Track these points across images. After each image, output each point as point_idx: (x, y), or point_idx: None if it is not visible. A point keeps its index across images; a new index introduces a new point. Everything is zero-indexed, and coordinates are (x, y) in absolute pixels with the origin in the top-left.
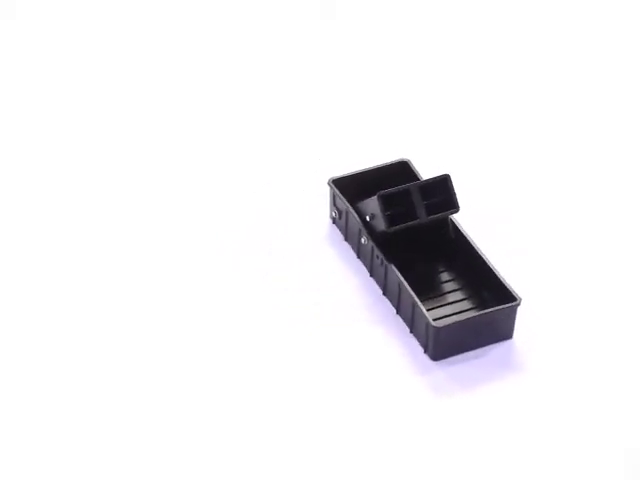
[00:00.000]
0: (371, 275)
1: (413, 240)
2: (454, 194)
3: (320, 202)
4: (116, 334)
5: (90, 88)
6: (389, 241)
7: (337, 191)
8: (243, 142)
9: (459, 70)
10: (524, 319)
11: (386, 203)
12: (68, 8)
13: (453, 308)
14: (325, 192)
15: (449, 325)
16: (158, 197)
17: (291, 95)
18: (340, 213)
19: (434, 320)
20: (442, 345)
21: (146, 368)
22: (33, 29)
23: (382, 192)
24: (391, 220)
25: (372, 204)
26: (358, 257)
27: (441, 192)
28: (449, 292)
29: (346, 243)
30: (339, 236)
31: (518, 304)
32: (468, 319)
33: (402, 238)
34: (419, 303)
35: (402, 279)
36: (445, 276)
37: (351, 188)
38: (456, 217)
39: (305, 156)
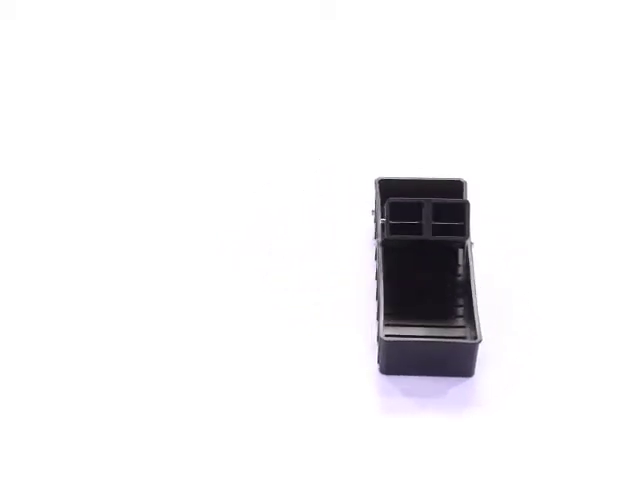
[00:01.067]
0: (375, 278)
1: (419, 254)
2: (468, 222)
3: (320, 202)
4: (116, 333)
5: (90, 88)
6: (396, 249)
7: (377, 191)
8: (243, 142)
9: (456, 68)
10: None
11: (395, 211)
12: (68, 8)
13: (419, 330)
14: (324, 192)
15: (395, 342)
16: (158, 197)
17: (291, 95)
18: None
19: (387, 335)
20: (390, 360)
21: (146, 367)
22: (33, 29)
23: (392, 199)
24: (394, 229)
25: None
26: (375, 259)
27: (455, 216)
28: (428, 315)
29: (347, 243)
30: (339, 236)
31: (476, 343)
32: (416, 342)
33: (408, 250)
34: (382, 315)
35: (381, 289)
36: (432, 298)
37: (396, 192)
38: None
39: (305, 156)
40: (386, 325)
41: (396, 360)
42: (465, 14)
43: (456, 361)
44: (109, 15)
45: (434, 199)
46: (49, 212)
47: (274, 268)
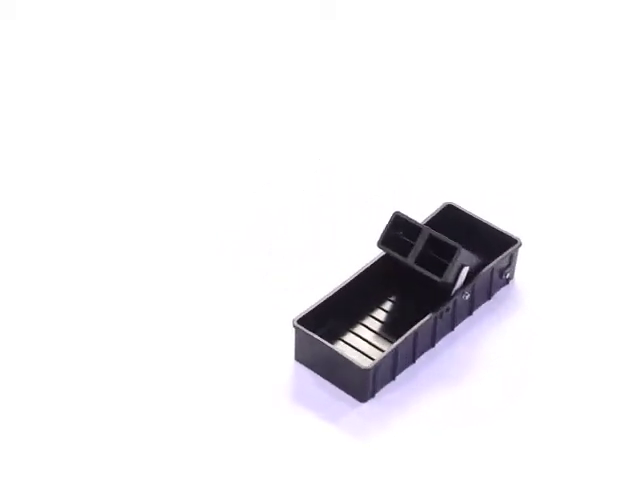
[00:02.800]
0: None
1: (407, 276)
2: (453, 266)
3: (320, 202)
4: (115, 333)
5: (90, 88)
6: (394, 264)
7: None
8: (243, 142)
9: (458, 67)
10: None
11: (396, 224)
12: (68, 8)
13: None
14: (324, 192)
15: (305, 333)
16: (158, 197)
17: (291, 95)
18: None
19: (297, 321)
20: (298, 349)
21: (144, 367)
22: (33, 29)
23: (398, 212)
24: (387, 240)
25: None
26: None
27: (445, 255)
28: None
29: (348, 245)
30: (339, 236)
31: (364, 369)
32: (321, 343)
33: (399, 268)
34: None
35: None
36: (394, 324)
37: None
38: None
39: (305, 156)
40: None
41: (305, 352)
42: (465, 14)
43: (350, 380)
44: (109, 15)
45: (432, 231)
46: (49, 212)
47: (274, 268)
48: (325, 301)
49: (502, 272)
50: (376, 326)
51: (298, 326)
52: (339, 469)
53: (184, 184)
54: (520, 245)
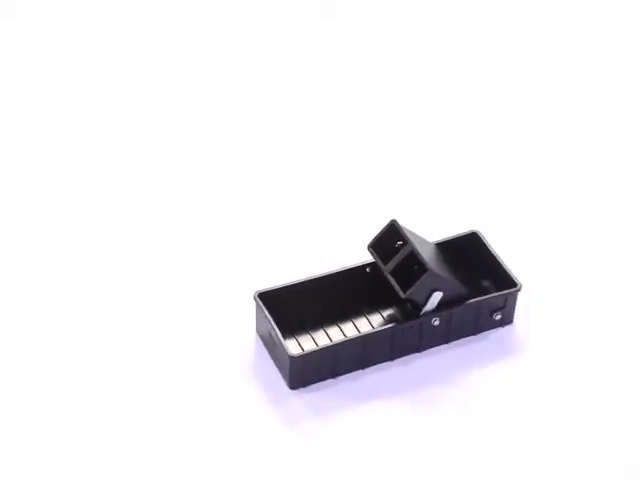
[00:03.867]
0: None
1: (386, 287)
2: (420, 286)
3: (320, 202)
4: (114, 333)
5: (90, 88)
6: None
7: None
8: (242, 142)
9: (458, 67)
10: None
11: (390, 232)
12: (68, 8)
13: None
14: (324, 192)
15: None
16: (156, 198)
17: (291, 95)
18: None
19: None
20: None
21: (140, 367)
22: (33, 29)
23: (395, 221)
24: (377, 245)
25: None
26: None
27: (420, 274)
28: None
29: (345, 245)
30: (337, 237)
31: (291, 356)
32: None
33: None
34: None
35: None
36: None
37: None
38: None
39: (305, 156)
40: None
41: (260, 328)
42: (465, 14)
43: (284, 365)
44: (109, 15)
45: (415, 247)
46: (49, 212)
47: (271, 268)
48: (295, 285)
49: (493, 312)
50: (338, 324)
51: (257, 299)
52: (246, 444)
53: (182, 184)
54: (519, 290)
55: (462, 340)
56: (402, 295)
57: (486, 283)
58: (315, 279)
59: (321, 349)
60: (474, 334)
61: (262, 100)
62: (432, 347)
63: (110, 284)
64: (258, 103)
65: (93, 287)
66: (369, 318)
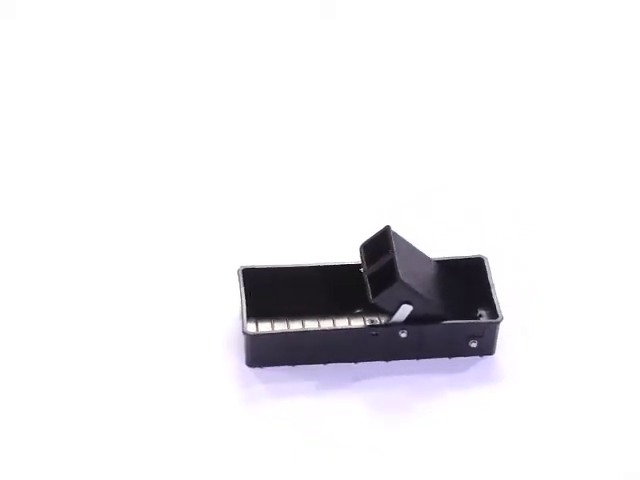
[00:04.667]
0: None
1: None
2: (388, 294)
3: (319, 202)
4: (112, 334)
5: (90, 88)
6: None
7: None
8: (243, 141)
9: (458, 68)
10: None
11: (382, 237)
12: (68, 8)
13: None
14: (324, 192)
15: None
16: (153, 198)
17: (291, 94)
18: None
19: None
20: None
21: (136, 367)
22: (33, 29)
23: (388, 227)
24: (369, 248)
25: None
26: None
27: (388, 284)
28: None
29: (339, 245)
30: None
31: (245, 333)
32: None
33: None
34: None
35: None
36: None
37: None
38: None
39: (305, 156)
40: None
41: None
42: (465, 14)
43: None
44: (109, 15)
45: (395, 257)
46: (48, 212)
47: (261, 239)
48: (280, 269)
49: (469, 338)
50: (316, 316)
51: (239, 275)
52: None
53: (179, 184)
54: (498, 322)
55: (436, 360)
56: (370, 300)
57: (476, 309)
58: (301, 267)
59: (276, 334)
60: (449, 357)
61: (262, 100)
62: (401, 359)
63: (99, 268)
64: (258, 103)
65: (82, 268)
66: (346, 316)
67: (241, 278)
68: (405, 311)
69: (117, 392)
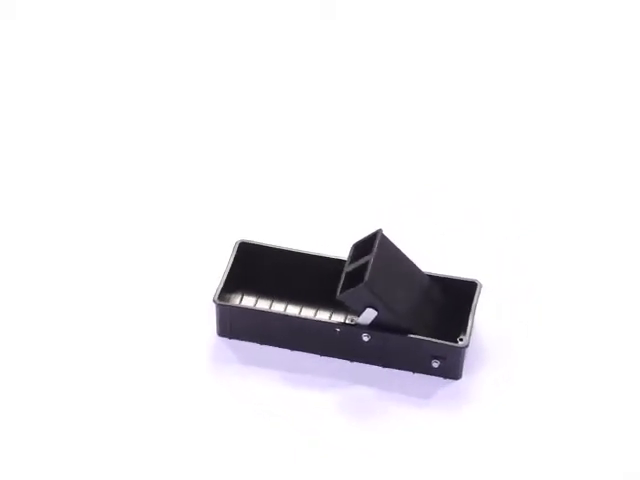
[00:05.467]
0: None
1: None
2: (352, 293)
3: (319, 202)
4: (110, 334)
5: (90, 88)
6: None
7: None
8: (243, 141)
9: (458, 68)
10: None
11: (373, 240)
12: (68, 8)
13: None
14: (325, 192)
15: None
16: (150, 198)
17: (291, 94)
18: None
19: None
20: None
21: (130, 367)
22: (33, 29)
23: (379, 231)
24: (360, 248)
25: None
26: None
27: (357, 281)
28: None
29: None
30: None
31: (214, 301)
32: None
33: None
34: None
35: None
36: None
37: None
38: None
39: (304, 156)
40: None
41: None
42: (465, 14)
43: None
44: (109, 15)
45: (373, 260)
46: (48, 212)
47: (256, 225)
48: (278, 250)
49: (432, 358)
50: (299, 300)
51: (235, 247)
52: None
53: (182, 184)
54: (461, 347)
55: (401, 372)
56: (337, 294)
57: (458, 331)
58: (300, 253)
59: (242, 308)
60: (412, 371)
61: (262, 100)
62: (366, 363)
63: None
64: (258, 102)
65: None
66: (330, 310)
67: (235, 250)
68: (369, 315)
69: (96, 354)
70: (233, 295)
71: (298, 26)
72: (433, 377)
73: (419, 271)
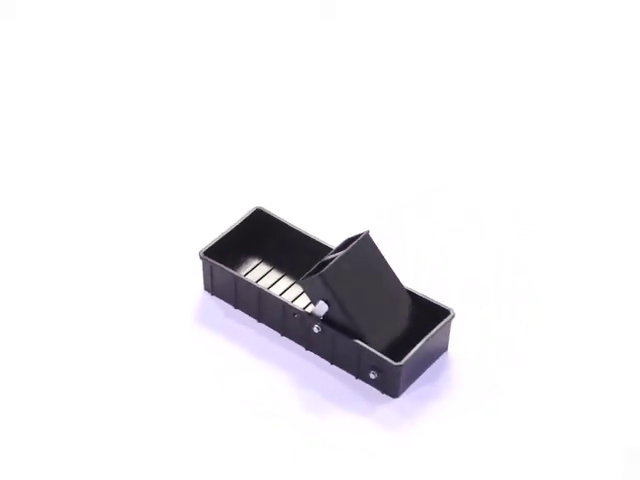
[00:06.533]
0: None
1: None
2: (307, 281)
3: (320, 202)
4: (108, 334)
5: (90, 88)
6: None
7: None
8: (243, 141)
9: (457, 68)
10: None
11: (353, 240)
12: (68, 8)
13: None
14: (327, 191)
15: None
16: (147, 198)
17: (291, 94)
18: None
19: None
20: None
21: (125, 367)
22: (33, 29)
23: (367, 233)
24: (345, 243)
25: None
26: None
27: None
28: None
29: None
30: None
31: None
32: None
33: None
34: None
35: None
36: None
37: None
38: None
39: (304, 156)
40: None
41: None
42: (465, 14)
43: None
44: (109, 15)
45: (340, 256)
46: (48, 212)
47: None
48: (282, 223)
49: (370, 367)
50: (286, 272)
51: (249, 213)
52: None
53: (181, 184)
54: (396, 366)
55: (346, 373)
56: (299, 279)
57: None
58: (296, 230)
59: (220, 268)
60: (355, 376)
61: (262, 99)
62: (317, 355)
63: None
64: (258, 102)
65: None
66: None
67: (249, 214)
68: (321, 308)
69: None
70: (243, 256)
71: (298, 26)
72: (371, 388)
73: (396, 283)
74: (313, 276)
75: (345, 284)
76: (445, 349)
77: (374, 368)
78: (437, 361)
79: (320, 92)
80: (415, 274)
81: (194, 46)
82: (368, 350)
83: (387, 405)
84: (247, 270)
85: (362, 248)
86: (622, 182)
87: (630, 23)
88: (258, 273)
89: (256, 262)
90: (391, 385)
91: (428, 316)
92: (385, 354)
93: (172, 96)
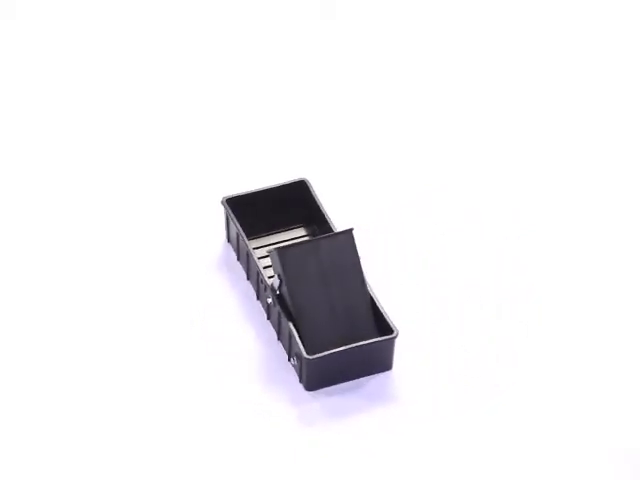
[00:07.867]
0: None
1: None
2: (273, 251)
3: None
4: (107, 335)
5: (90, 88)
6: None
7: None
8: (242, 141)
9: (457, 68)
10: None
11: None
12: (68, 8)
13: None
14: (328, 192)
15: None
16: (145, 198)
17: (291, 94)
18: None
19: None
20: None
21: (122, 367)
22: (33, 29)
23: (349, 231)
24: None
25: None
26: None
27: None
28: None
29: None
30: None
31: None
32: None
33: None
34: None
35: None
36: None
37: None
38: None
39: (304, 156)
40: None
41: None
42: (465, 14)
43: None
44: (109, 15)
45: (309, 242)
46: (47, 212)
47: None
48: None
49: (294, 355)
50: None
51: (291, 182)
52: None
53: (181, 184)
54: (307, 359)
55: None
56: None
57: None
58: (323, 214)
59: (232, 219)
60: (289, 358)
61: (262, 99)
62: (272, 327)
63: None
64: (258, 102)
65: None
66: None
67: (288, 182)
68: (275, 282)
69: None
70: (261, 219)
71: (298, 26)
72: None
73: (360, 287)
74: (274, 250)
75: (300, 267)
76: (389, 368)
77: (296, 355)
78: (435, 361)
79: (320, 92)
80: (415, 274)
81: (194, 46)
82: (294, 336)
83: (387, 406)
84: (259, 233)
85: (338, 243)
86: (622, 182)
87: (630, 23)
88: (266, 240)
89: (270, 229)
90: (303, 376)
91: (379, 329)
92: (322, 350)
93: (172, 96)
